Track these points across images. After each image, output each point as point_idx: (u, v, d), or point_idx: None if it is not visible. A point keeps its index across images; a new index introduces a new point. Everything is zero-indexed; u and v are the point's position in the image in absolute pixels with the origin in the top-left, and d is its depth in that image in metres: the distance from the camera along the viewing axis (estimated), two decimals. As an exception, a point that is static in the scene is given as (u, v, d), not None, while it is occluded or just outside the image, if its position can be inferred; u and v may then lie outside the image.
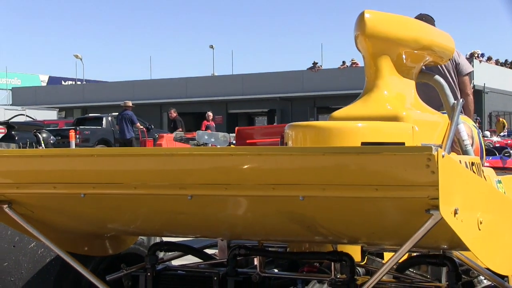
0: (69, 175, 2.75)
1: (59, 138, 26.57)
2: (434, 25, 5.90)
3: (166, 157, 2.54)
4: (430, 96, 4.88)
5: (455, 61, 6.09)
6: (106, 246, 3.59)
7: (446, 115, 4.24)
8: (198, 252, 3.77)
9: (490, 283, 3.52)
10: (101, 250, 3.58)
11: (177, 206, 2.77)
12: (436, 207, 2.17)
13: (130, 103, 22.61)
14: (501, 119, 37.91)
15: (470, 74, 6.11)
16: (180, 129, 22.95)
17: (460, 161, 3.78)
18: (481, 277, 3.80)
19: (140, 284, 3.47)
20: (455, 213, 2.19)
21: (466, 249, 2.71)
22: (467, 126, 4.48)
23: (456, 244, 2.79)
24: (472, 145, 4.43)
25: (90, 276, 3.09)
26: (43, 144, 23.16)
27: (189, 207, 2.75)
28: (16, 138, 24.04)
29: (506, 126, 36.19)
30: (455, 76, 6.10)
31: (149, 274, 3.44)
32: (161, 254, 3.72)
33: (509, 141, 26.05)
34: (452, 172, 2.19)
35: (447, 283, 2.98)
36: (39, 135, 23.84)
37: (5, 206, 2.94)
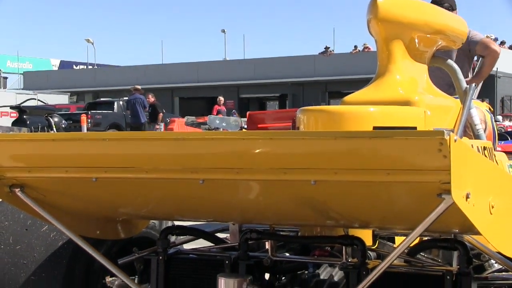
0: (81, 159, 2.76)
1: (71, 122, 26.68)
2: (455, 8, 5.85)
3: (178, 141, 2.54)
4: (441, 79, 4.85)
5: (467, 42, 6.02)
6: (118, 230, 3.61)
7: (458, 99, 4.23)
8: (209, 236, 3.78)
9: (501, 266, 3.52)
10: (113, 234, 3.59)
11: (188, 190, 2.78)
12: (448, 192, 2.17)
13: (140, 87, 22.58)
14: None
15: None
16: (161, 114, 22.55)
17: (472, 145, 3.77)
18: (492, 261, 3.81)
19: (151, 267, 3.49)
20: (467, 197, 2.18)
21: (477, 233, 2.71)
22: (479, 111, 4.47)
23: (467, 228, 2.79)
24: (484, 130, 4.42)
25: (102, 259, 3.10)
26: (54, 129, 23.25)
27: (201, 191, 2.75)
28: (28, 122, 24.13)
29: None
30: (469, 58, 6.03)
31: (160, 257, 3.45)
32: (172, 238, 3.73)
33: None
34: (464, 157, 2.18)
35: (458, 267, 2.98)
36: (51, 120, 23.92)
37: (17, 190, 2.96)
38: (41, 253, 3.58)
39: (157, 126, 22.01)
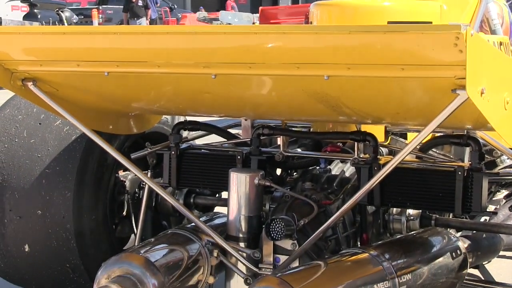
0: (93, 53, 2.74)
1: (82, 17, 26.44)
2: None
3: (190, 36, 2.50)
4: None
5: None
6: (130, 125, 3.62)
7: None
8: (221, 131, 3.79)
9: (513, 162, 3.54)
10: (125, 128, 3.61)
11: (201, 85, 2.76)
12: (463, 87, 2.15)
13: None
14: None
15: None
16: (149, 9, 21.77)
17: (488, 40, 3.71)
18: (504, 157, 3.83)
19: (164, 162, 3.52)
20: (482, 93, 2.16)
21: (491, 129, 2.70)
22: (497, 5, 4.38)
23: (481, 124, 2.78)
24: (501, 25, 4.34)
25: (116, 153, 3.13)
26: (65, 23, 23.09)
27: (213, 86, 2.74)
28: (39, 16, 23.96)
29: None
30: None
31: (173, 152, 3.48)
32: (185, 133, 3.75)
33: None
34: (480, 51, 2.15)
35: (470, 162, 2.98)
36: (62, 14, 23.74)
37: (29, 83, 2.95)
38: (55, 147, 3.61)
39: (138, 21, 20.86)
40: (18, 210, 3.60)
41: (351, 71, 2.38)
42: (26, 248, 3.62)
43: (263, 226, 2.90)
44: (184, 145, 3.55)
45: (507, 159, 3.74)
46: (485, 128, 3.08)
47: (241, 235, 3.01)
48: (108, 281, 2.72)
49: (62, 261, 3.62)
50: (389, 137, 3.74)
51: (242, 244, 2.99)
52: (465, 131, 3.23)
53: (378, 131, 3.41)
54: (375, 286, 2.67)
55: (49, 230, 3.56)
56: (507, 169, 3.74)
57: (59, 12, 23.78)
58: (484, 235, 3.44)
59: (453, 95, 2.26)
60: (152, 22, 21.31)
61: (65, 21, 23.33)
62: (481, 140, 3.14)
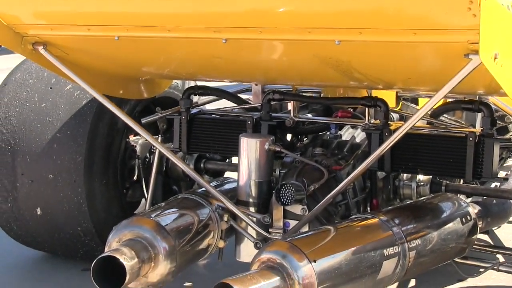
0: (103, 17, 2.73)
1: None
2: None
3: (200, 0, 2.49)
4: None
5: None
6: (141, 89, 3.62)
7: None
8: (232, 96, 3.78)
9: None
10: (136, 93, 3.61)
11: (211, 49, 2.75)
12: (476, 52, 2.13)
13: None
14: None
15: None
16: None
17: (502, 4, 3.67)
18: (516, 123, 3.80)
19: (174, 127, 3.52)
20: (495, 58, 2.14)
21: (503, 94, 2.69)
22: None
23: (493, 89, 2.76)
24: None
25: (126, 118, 3.12)
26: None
27: (224, 51, 2.72)
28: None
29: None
30: None
31: (183, 117, 3.47)
32: (195, 98, 3.74)
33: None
34: (494, 16, 2.12)
35: (482, 128, 2.97)
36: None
37: (40, 47, 2.95)
38: (66, 111, 3.62)
39: None
40: (30, 174, 3.62)
41: (363, 36, 2.36)
42: (38, 211, 3.65)
43: (273, 191, 2.91)
44: (194, 110, 3.54)
45: (519, 125, 3.73)
46: (497, 94, 3.06)
47: (251, 200, 3.02)
48: (119, 245, 2.74)
49: (73, 225, 3.65)
50: (400, 103, 3.73)
51: (252, 209, 3.00)
52: (477, 96, 3.22)
53: (389, 96, 3.40)
54: (384, 251, 2.68)
55: (60, 194, 3.59)
56: (519, 135, 3.72)
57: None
58: (494, 201, 3.44)
59: (465, 60, 2.25)
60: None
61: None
62: (493, 106, 3.12)
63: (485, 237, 3.97)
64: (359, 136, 3.53)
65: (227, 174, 4.06)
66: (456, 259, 3.21)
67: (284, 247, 2.47)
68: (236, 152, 3.12)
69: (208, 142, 3.48)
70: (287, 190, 2.83)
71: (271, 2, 2.39)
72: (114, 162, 3.71)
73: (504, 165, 4.42)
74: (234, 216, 3.04)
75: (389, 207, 3.21)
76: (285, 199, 2.84)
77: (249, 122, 3.34)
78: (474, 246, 3.24)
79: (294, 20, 2.44)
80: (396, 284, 3.32)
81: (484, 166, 2.90)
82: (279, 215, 2.93)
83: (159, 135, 3.62)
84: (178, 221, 2.97)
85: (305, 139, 3.63)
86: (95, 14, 2.72)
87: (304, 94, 3.86)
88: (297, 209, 2.90)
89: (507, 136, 3.84)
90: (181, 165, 3.25)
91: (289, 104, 3.79)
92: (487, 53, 2.11)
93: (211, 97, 3.89)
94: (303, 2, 2.36)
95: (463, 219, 3.09)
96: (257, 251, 2.62)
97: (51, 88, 3.71)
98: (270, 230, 2.94)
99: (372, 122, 3.15)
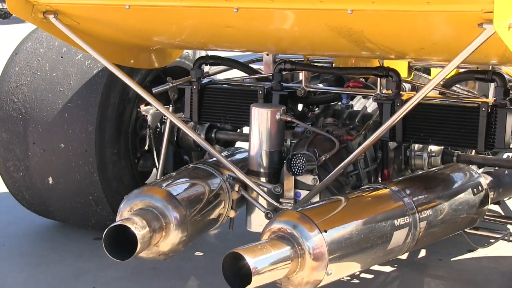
0: (114, -14, 2.71)
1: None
2: None
3: (212, -32, 2.47)
4: None
5: None
6: (152, 59, 3.61)
7: None
8: (243, 66, 3.76)
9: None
10: (147, 63, 3.60)
11: (223, 19, 2.73)
12: (490, 21, 2.11)
13: None
14: None
15: None
16: None
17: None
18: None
19: (185, 96, 3.51)
20: (509, 27, 2.12)
21: (517, 65, 2.66)
22: None
23: (507, 59, 2.74)
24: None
25: (137, 88, 3.12)
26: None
27: (235, 20, 2.71)
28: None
29: None
30: None
31: (194, 87, 3.47)
32: (206, 68, 3.73)
33: None
34: (509, -15, 2.10)
35: (495, 98, 2.95)
36: None
37: (51, 16, 2.94)
38: (77, 81, 3.62)
39: None
40: (41, 143, 3.63)
41: (375, 5, 2.34)
42: (50, 180, 3.67)
43: (284, 161, 2.91)
44: (205, 80, 3.54)
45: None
46: (511, 64, 3.03)
47: (262, 170, 3.02)
48: (131, 214, 2.75)
49: (85, 194, 3.67)
50: (412, 73, 3.70)
51: (263, 179, 3.00)
52: (490, 66, 3.19)
53: (401, 66, 3.38)
54: (395, 221, 2.68)
55: (72, 163, 3.60)
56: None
57: None
58: (506, 172, 3.43)
59: (479, 30, 2.22)
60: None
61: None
62: (506, 76, 3.09)
63: (496, 207, 3.97)
64: (371, 106, 3.52)
65: (238, 144, 4.06)
66: (467, 230, 3.21)
67: (294, 217, 2.47)
68: (247, 122, 3.11)
69: (219, 112, 3.48)
70: (298, 160, 2.83)
71: (283, -29, 2.37)
72: (125, 132, 3.72)
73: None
74: (245, 186, 3.04)
75: (400, 178, 3.21)
76: (296, 169, 2.84)
77: (260, 92, 3.33)
78: (485, 217, 3.24)
79: (306, -12, 2.42)
80: (406, 254, 3.33)
81: (497, 136, 2.88)
82: (290, 185, 2.93)
83: (170, 105, 3.61)
84: (189, 190, 2.98)
85: (316, 109, 3.63)
86: (105, -18, 2.71)
87: (315, 64, 3.84)
88: (308, 179, 2.90)
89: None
90: (192, 135, 3.25)
91: (300, 74, 3.77)
92: (501, 22, 2.09)
93: (222, 67, 3.88)
94: (315, -29, 2.33)
95: (475, 189, 3.08)
96: (268, 221, 2.62)
97: (62, 57, 3.71)
98: (281, 200, 2.94)
99: (384, 92, 3.13)
